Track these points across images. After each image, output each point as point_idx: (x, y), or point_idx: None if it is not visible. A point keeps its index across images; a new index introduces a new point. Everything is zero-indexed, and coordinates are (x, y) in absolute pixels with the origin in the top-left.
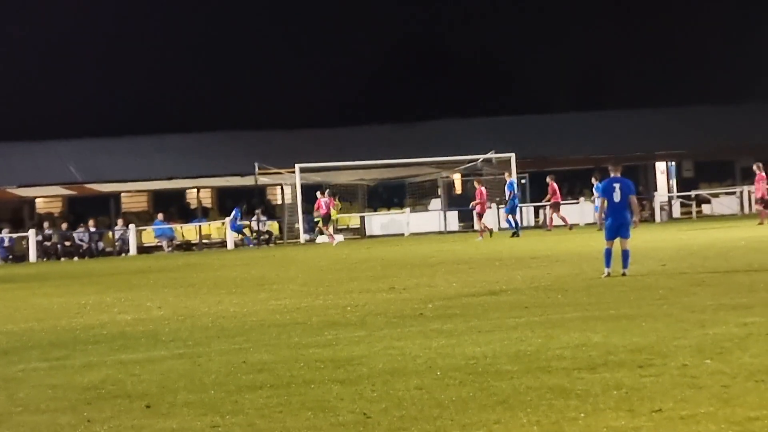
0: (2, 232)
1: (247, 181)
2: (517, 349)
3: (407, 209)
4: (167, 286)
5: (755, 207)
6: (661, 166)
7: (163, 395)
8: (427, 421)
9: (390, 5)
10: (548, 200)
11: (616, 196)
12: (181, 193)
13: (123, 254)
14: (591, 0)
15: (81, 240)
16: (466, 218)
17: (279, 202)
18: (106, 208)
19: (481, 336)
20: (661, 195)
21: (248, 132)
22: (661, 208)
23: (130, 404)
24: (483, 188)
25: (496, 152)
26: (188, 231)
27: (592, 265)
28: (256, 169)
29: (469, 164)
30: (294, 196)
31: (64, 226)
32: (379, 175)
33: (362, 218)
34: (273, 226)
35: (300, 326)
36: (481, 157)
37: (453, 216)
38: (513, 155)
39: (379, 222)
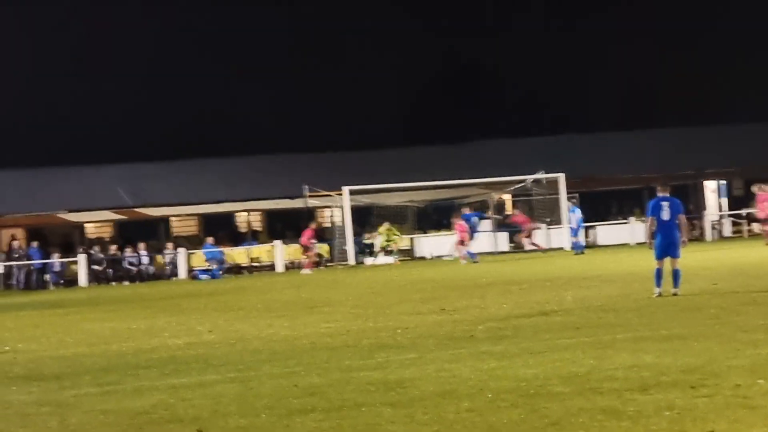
0: (53, 256)
1: (297, 203)
2: (569, 370)
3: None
4: (217, 309)
5: (762, 228)
6: (711, 185)
7: (214, 419)
8: None
9: (436, 27)
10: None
11: (665, 215)
12: (230, 216)
13: (173, 278)
14: (638, 18)
15: (131, 264)
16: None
17: (329, 224)
18: (155, 233)
19: (533, 358)
20: (711, 214)
21: (297, 155)
22: (712, 227)
23: (182, 429)
24: (462, 222)
25: (545, 172)
26: (238, 254)
27: (643, 285)
28: (306, 191)
29: (519, 185)
30: (343, 219)
31: (113, 249)
32: (429, 196)
33: (412, 240)
34: (323, 248)
35: (350, 349)
36: (530, 177)
37: (503, 237)
38: (562, 175)
39: (429, 243)
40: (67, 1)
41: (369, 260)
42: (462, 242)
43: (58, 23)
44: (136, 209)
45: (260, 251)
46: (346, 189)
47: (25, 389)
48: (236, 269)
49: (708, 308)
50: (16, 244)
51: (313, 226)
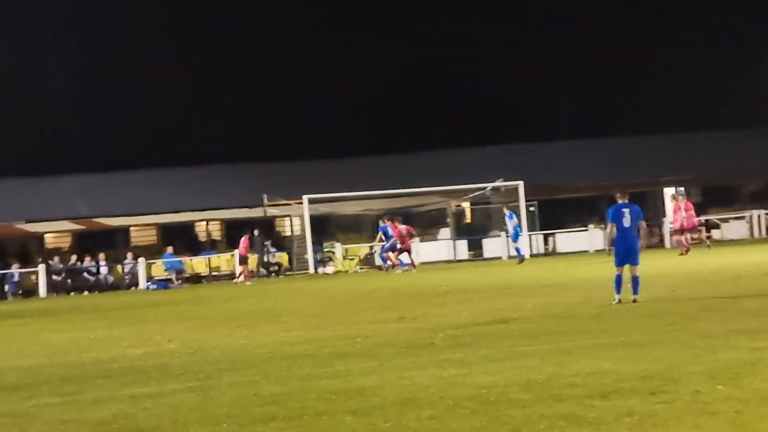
0: (11, 267)
1: (256, 213)
2: (529, 377)
3: (416, 239)
4: (177, 319)
5: (678, 237)
6: (669, 192)
7: (175, 429)
8: None
9: (394, 36)
10: (391, 243)
11: (626, 222)
12: (189, 225)
13: (132, 288)
14: (596, 27)
15: (90, 274)
16: (475, 247)
17: (288, 233)
18: (114, 243)
19: (493, 365)
20: (670, 221)
21: (256, 164)
22: (671, 234)
23: None
24: (398, 225)
25: (503, 180)
26: (197, 263)
27: (602, 292)
28: (265, 200)
29: (477, 193)
30: (303, 228)
31: (73, 259)
32: (388, 205)
33: (371, 248)
34: (282, 257)
35: (311, 357)
36: (489, 185)
37: (462, 245)
38: (521, 183)
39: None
40: (23, 11)
41: (322, 269)
42: (403, 250)
43: (12, 33)
44: (94, 219)
45: (219, 261)
46: (305, 198)
47: None
48: (195, 278)
49: (667, 315)
50: None
51: (249, 235)
